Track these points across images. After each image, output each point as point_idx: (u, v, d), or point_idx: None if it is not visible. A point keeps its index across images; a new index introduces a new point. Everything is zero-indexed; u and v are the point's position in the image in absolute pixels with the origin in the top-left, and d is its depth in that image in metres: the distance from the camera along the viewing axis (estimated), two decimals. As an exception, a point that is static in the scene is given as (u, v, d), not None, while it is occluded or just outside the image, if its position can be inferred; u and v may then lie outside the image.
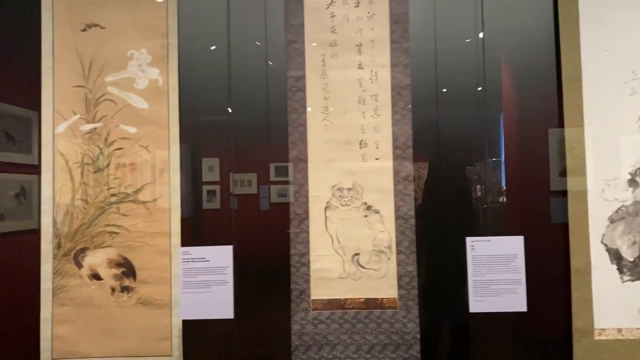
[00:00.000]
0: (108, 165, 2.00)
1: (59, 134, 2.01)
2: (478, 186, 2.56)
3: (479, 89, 2.07)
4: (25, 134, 2.81)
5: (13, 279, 2.60)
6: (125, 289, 1.97)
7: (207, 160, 2.70)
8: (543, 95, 2.08)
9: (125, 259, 1.98)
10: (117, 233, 1.98)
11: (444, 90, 2.16)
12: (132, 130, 2.00)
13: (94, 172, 2.00)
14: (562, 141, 1.88)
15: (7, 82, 2.66)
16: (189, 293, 1.78)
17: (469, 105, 2.22)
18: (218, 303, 1.76)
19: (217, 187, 2.91)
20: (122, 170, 2.00)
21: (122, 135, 2.00)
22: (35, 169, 2.84)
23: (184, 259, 1.79)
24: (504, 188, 2.45)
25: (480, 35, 2.06)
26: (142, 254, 1.97)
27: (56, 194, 2.00)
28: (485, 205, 2.66)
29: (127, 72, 2.01)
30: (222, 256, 1.78)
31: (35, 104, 2.80)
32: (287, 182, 2.00)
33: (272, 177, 2.56)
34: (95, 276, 1.98)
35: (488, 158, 2.35)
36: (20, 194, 2.81)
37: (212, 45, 2.16)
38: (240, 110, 2.20)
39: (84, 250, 1.99)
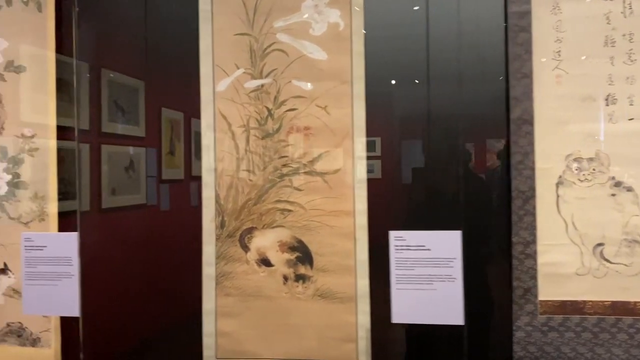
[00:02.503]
0: (279, 129, 1.65)
1: (220, 92, 1.68)
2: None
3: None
4: (132, 104, 2.60)
5: (127, 255, 2.36)
6: (300, 278, 1.64)
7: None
8: None
9: (300, 241, 1.64)
10: (290, 211, 1.64)
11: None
12: (307, 86, 1.64)
13: (262, 138, 1.66)
14: None
15: (113, 50, 2.43)
16: (402, 290, 1.40)
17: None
18: (444, 304, 1.37)
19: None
20: (295, 135, 1.64)
21: (295, 93, 1.64)
22: (142, 141, 2.61)
23: (396, 246, 1.41)
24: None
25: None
26: (320, 236, 1.62)
27: (218, 164, 1.68)
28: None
29: (301, 15, 1.64)
30: (446, 243, 1.38)
31: (141, 73, 2.56)
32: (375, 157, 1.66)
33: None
34: (265, 262, 1.66)
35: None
36: (129, 168, 2.62)
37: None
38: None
39: (251, 230, 1.67)
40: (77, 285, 1.55)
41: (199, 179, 3.04)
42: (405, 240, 1.41)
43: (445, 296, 1.37)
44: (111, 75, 2.43)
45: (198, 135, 3.08)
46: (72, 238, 1.56)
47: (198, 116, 3.05)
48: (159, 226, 2.68)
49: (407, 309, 1.40)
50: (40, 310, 1.62)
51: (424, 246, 1.40)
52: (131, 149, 2.61)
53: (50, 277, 1.57)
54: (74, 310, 1.54)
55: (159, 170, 2.74)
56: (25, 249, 1.57)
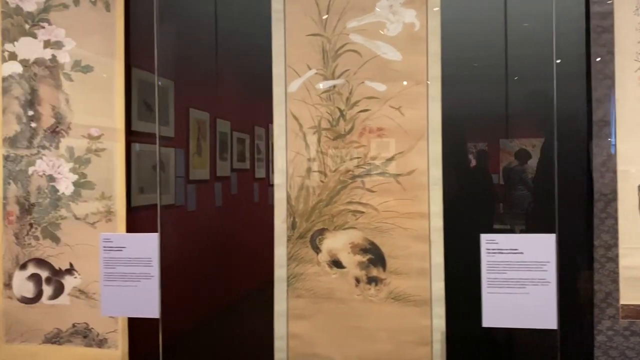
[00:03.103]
0: (351, 130, 1.64)
1: (292, 93, 1.67)
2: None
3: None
4: (162, 103, 2.59)
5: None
6: (372, 281, 1.63)
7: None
8: None
9: (372, 243, 1.63)
10: (362, 212, 1.63)
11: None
12: (380, 87, 1.62)
13: (334, 139, 1.65)
14: None
15: (143, 49, 2.43)
16: (494, 293, 1.39)
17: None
18: (537, 308, 1.36)
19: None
20: (368, 136, 1.63)
21: (368, 93, 1.63)
22: (171, 141, 2.61)
23: (488, 249, 1.39)
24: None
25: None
26: (393, 238, 1.61)
27: (289, 164, 1.67)
28: None
29: (375, 16, 1.63)
30: (540, 247, 1.37)
31: (170, 72, 2.55)
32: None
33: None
34: (336, 263, 1.65)
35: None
36: (159, 167, 2.60)
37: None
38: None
39: (322, 231, 1.66)
40: (157, 286, 1.54)
41: (223, 179, 3.02)
42: (497, 243, 1.39)
43: (538, 300, 1.36)
44: (142, 74, 2.42)
45: (223, 135, 3.08)
46: (152, 239, 1.55)
47: (223, 117, 3.04)
48: (186, 225, 2.68)
49: (498, 312, 1.38)
50: (119, 312, 1.61)
51: (517, 249, 1.38)
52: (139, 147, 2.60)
53: (129, 278, 1.56)
54: (153, 311, 1.53)
55: (186, 171, 2.73)
56: (104, 250, 1.56)
